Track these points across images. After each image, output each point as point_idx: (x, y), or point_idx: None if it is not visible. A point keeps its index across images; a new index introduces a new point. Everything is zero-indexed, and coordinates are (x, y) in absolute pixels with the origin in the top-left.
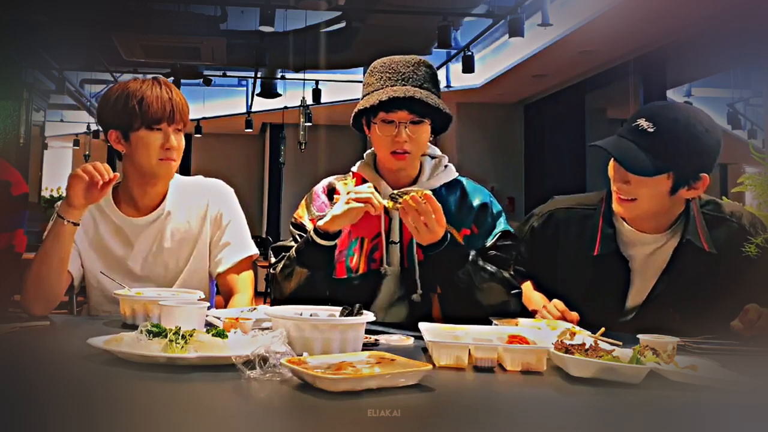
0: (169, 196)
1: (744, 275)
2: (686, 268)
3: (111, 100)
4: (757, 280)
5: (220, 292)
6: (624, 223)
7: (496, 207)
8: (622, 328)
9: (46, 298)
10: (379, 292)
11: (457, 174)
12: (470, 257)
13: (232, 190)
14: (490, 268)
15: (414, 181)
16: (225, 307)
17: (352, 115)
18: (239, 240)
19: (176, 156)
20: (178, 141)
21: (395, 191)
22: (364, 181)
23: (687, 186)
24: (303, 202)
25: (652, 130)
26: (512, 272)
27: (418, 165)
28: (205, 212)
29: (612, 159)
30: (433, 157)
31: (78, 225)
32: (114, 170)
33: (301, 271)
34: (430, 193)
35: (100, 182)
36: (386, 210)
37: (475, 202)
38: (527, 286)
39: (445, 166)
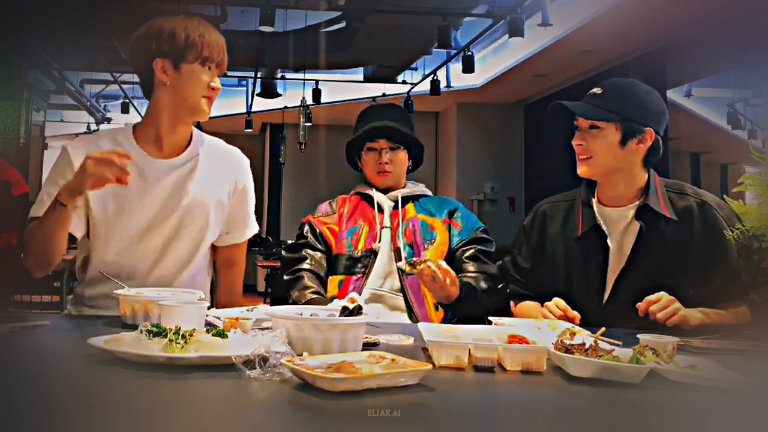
0: (194, 143)
1: (708, 247)
2: (652, 238)
3: (164, 31)
4: (720, 259)
5: (216, 261)
6: (597, 203)
7: (468, 211)
8: (605, 309)
9: (46, 265)
10: (375, 265)
11: (431, 193)
12: (478, 292)
13: (248, 161)
14: (484, 285)
15: None
16: (218, 277)
17: (345, 150)
18: (253, 215)
19: (215, 98)
20: (218, 85)
21: (414, 259)
22: (363, 198)
23: (635, 138)
24: (310, 214)
25: (600, 92)
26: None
27: (399, 183)
28: (232, 182)
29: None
30: (413, 183)
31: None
32: None
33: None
34: (443, 263)
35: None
36: (380, 206)
37: (447, 205)
38: (527, 305)
39: (424, 188)
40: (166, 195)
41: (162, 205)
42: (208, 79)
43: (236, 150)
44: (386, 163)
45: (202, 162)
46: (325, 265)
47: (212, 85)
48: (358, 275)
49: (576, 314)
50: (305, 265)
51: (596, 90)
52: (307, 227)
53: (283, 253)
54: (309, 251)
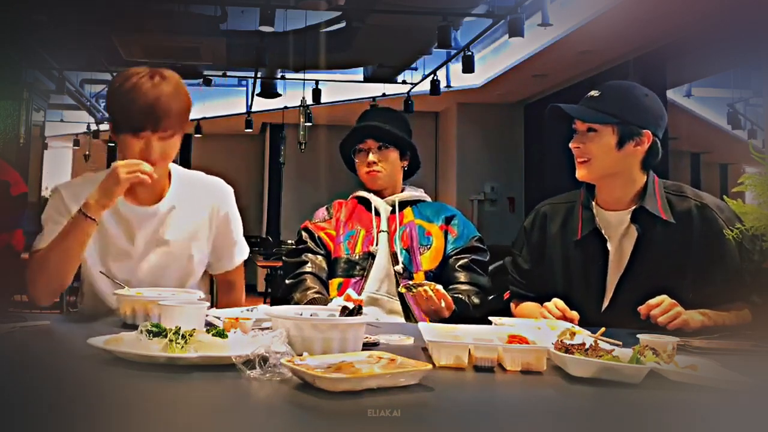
0: (173, 189)
1: (708, 249)
2: (651, 241)
3: (110, 91)
4: (720, 261)
5: (217, 286)
6: (597, 206)
7: (465, 219)
8: (606, 313)
9: (57, 290)
10: (373, 268)
11: (430, 200)
12: (470, 308)
13: (231, 189)
14: (476, 300)
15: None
16: (218, 297)
17: (341, 155)
18: (242, 239)
19: (160, 162)
20: (162, 148)
21: (411, 282)
22: (360, 201)
23: (632, 141)
24: (307, 219)
25: (597, 94)
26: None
27: (396, 186)
28: (211, 211)
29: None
30: (411, 187)
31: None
32: None
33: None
34: (440, 287)
35: (145, 178)
36: (377, 210)
37: (445, 211)
38: (528, 306)
39: (423, 193)
40: (146, 240)
41: (144, 250)
42: (141, 147)
43: (216, 181)
44: (374, 162)
45: (180, 206)
46: (326, 268)
47: (147, 153)
48: (357, 278)
49: (575, 314)
50: (307, 269)
51: (594, 93)
52: (305, 233)
53: (284, 258)
54: (309, 255)
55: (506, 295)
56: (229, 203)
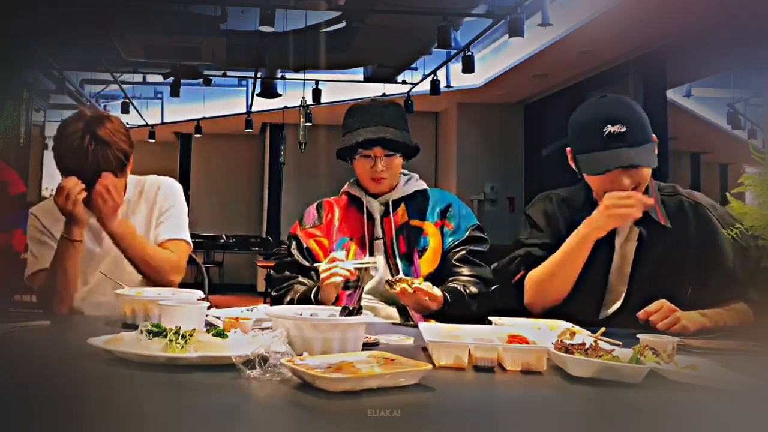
0: (129, 193)
1: (704, 247)
2: (652, 243)
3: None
4: (715, 259)
5: None
6: None
7: (464, 207)
8: (610, 315)
9: (70, 300)
10: (369, 278)
11: (426, 186)
12: (466, 297)
13: (181, 187)
14: (474, 289)
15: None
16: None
17: (336, 151)
18: (174, 224)
19: (108, 198)
20: (102, 186)
21: (391, 278)
22: (351, 198)
23: (656, 150)
24: (298, 220)
25: (624, 129)
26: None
27: (395, 183)
28: (154, 199)
29: (599, 178)
30: (406, 175)
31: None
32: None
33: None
34: (422, 284)
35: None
36: (369, 213)
37: (442, 202)
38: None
39: (416, 181)
40: (110, 239)
41: (108, 247)
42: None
43: (164, 179)
44: (382, 170)
45: (135, 203)
46: (313, 282)
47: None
48: (351, 290)
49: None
50: (293, 281)
51: (618, 128)
52: (294, 243)
53: (271, 272)
54: (296, 272)
55: (517, 277)
56: (170, 193)
